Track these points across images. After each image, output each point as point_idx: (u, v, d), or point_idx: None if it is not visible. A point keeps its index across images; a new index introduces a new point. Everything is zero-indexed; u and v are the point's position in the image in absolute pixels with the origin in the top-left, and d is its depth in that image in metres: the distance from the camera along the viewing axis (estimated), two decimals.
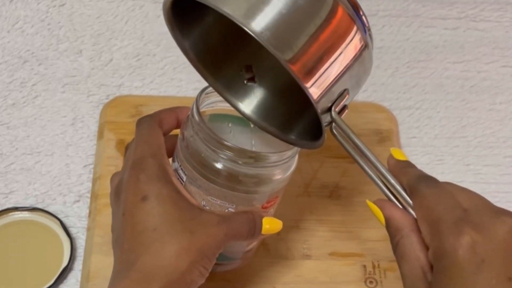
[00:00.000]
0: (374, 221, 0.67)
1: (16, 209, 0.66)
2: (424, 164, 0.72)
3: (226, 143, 0.51)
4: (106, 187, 0.67)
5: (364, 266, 0.65)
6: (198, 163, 0.53)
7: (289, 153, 0.53)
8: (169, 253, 0.49)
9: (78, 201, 0.68)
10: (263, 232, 0.54)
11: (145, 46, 0.78)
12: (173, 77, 0.76)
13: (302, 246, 0.65)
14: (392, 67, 0.78)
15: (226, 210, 0.54)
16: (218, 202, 0.53)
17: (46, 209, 0.66)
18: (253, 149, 0.57)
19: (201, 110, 0.54)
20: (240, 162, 0.51)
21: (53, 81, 0.75)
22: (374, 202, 0.51)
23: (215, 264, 0.52)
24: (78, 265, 0.64)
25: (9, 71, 0.75)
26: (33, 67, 0.75)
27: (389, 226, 0.49)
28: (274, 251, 0.64)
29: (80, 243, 0.65)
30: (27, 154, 0.70)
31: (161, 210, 0.50)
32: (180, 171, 0.54)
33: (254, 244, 0.59)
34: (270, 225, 0.54)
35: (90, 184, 0.68)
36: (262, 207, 0.55)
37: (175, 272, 0.49)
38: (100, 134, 0.70)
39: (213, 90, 0.55)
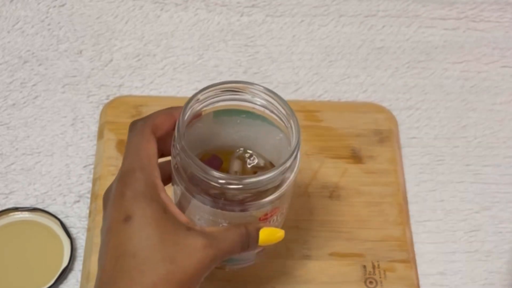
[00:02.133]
0: (374, 221, 0.67)
1: (16, 209, 0.66)
2: (424, 164, 0.72)
3: (211, 172, 0.49)
4: (106, 187, 0.67)
5: (364, 266, 0.65)
6: (185, 179, 0.51)
7: (283, 167, 0.51)
8: (146, 284, 0.47)
9: (78, 201, 0.68)
10: (260, 244, 0.52)
11: (145, 47, 0.78)
12: (173, 77, 0.76)
13: (302, 246, 0.65)
14: (392, 67, 0.78)
15: (220, 226, 0.52)
16: (211, 218, 0.52)
17: (46, 209, 0.66)
18: (259, 145, 0.56)
19: (202, 109, 0.53)
20: (228, 188, 0.50)
21: (53, 82, 0.75)
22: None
23: (227, 264, 0.52)
24: (78, 265, 0.64)
25: (9, 72, 0.75)
26: (33, 67, 0.75)
27: None
28: (273, 252, 0.64)
29: (80, 243, 0.65)
30: (27, 155, 0.70)
31: (143, 235, 0.48)
32: (176, 181, 0.53)
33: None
34: (268, 236, 0.53)
35: (90, 184, 0.68)
36: (260, 219, 0.53)
37: None
38: (100, 134, 0.70)
39: (209, 91, 0.53)
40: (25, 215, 0.66)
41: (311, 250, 0.65)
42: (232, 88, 0.54)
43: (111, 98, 0.74)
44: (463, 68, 0.78)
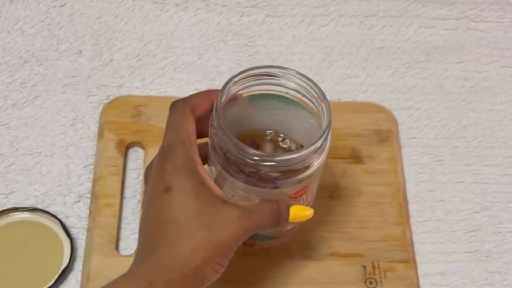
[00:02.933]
0: (374, 221, 0.67)
1: (16, 209, 0.66)
2: (424, 164, 0.72)
3: (246, 149, 0.52)
4: (106, 188, 0.67)
5: (364, 267, 0.65)
6: (221, 156, 0.54)
7: (314, 147, 0.53)
8: (185, 248, 0.50)
9: (78, 201, 0.68)
10: (290, 220, 0.55)
11: (145, 47, 0.78)
12: (173, 77, 0.76)
13: (302, 246, 0.65)
14: (392, 67, 0.78)
15: (252, 201, 0.54)
16: (244, 194, 0.54)
17: (46, 209, 0.66)
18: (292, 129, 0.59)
19: (238, 92, 0.56)
20: (262, 164, 0.52)
21: (53, 82, 0.75)
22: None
23: (256, 241, 0.55)
24: (78, 265, 0.64)
25: (9, 72, 0.75)
26: (33, 67, 0.75)
27: None
28: (274, 252, 0.64)
29: (80, 243, 0.65)
30: (27, 155, 0.70)
31: (182, 203, 0.51)
32: (213, 159, 0.55)
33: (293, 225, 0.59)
34: (298, 212, 0.55)
35: (90, 185, 0.68)
36: (290, 197, 0.55)
37: (188, 266, 0.50)
38: (100, 135, 0.70)
39: (246, 76, 0.55)
40: (25, 215, 0.66)
41: (311, 250, 0.65)
42: (267, 72, 0.56)
43: (111, 98, 0.74)
44: (463, 68, 0.78)
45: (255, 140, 0.59)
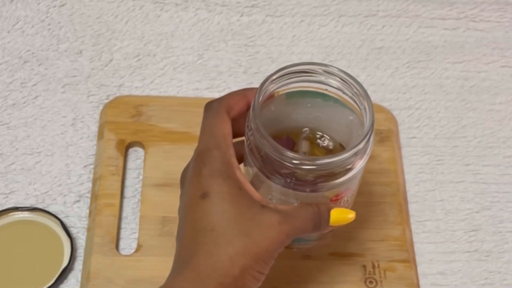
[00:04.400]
0: (374, 221, 0.67)
1: (16, 209, 0.66)
2: (424, 164, 0.72)
3: (285, 152, 0.50)
4: (106, 187, 0.67)
5: (364, 266, 0.65)
6: (258, 158, 0.52)
7: (356, 149, 0.51)
8: (223, 256, 0.49)
9: (78, 201, 0.68)
10: (331, 224, 0.53)
11: (145, 46, 0.78)
12: (173, 77, 0.76)
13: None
14: (392, 67, 0.78)
15: (291, 204, 0.53)
16: (282, 197, 0.53)
17: (46, 209, 0.66)
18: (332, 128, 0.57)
19: (276, 90, 0.54)
20: (301, 168, 0.51)
21: (53, 81, 0.75)
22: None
23: (294, 244, 0.53)
24: (78, 265, 0.64)
25: (9, 72, 0.75)
26: (33, 67, 0.75)
27: None
28: None
29: (80, 243, 0.65)
30: (27, 154, 0.70)
31: (220, 209, 0.49)
32: (249, 160, 0.53)
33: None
34: (339, 216, 0.53)
35: (90, 184, 0.68)
36: (331, 200, 0.54)
37: (227, 275, 0.49)
38: (100, 134, 0.70)
39: (284, 74, 0.54)
40: (25, 215, 0.66)
41: (311, 250, 0.65)
42: (305, 69, 0.54)
43: (111, 98, 0.74)
44: (463, 68, 0.78)
45: (290, 137, 0.58)
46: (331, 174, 0.51)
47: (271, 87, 0.54)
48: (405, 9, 0.82)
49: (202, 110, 0.55)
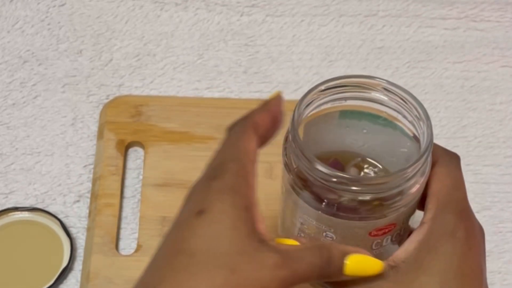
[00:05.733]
0: None
1: (16, 209, 0.66)
2: None
3: (319, 165, 0.43)
4: (106, 187, 0.67)
5: None
6: (292, 173, 0.45)
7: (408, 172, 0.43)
8: None
9: (78, 201, 0.68)
10: (347, 274, 0.43)
11: (145, 46, 0.78)
12: (173, 77, 0.76)
13: None
14: (392, 67, 0.78)
15: (324, 234, 0.46)
16: (314, 223, 0.46)
17: (46, 209, 0.66)
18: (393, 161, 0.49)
19: (327, 106, 0.47)
20: (340, 188, 0.43)
21: (53, 81, 0.75)
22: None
23: None
24: (78, 265, 0.64)
25: (9, 71, 0.75)
26: (33, 67, 0.75)
27: None
28: None
29: (80, 243, 0.65)
30: (27, 154, 0.70)
31: (211, 232, 0.40)
32: (283, 178, 0.47)
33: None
34: (359, 264, 0.43)
35: (90, 184, 0.68)
36: (370, 235, 0.46)
37: None
38: (100, 134, 0.70)
39: (334, 86, 0.46)
40: (25, 215, 0.66)
41: None
42: (360, 83, 0.47)
43: (111, 98, 0.74)
44: (463, 68, 0.78)
45: (338, 161, 0.50)
46: (376, 200, 0.44)
47: (317, 101, 0.47)
48: (405, 9, 0.82)
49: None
